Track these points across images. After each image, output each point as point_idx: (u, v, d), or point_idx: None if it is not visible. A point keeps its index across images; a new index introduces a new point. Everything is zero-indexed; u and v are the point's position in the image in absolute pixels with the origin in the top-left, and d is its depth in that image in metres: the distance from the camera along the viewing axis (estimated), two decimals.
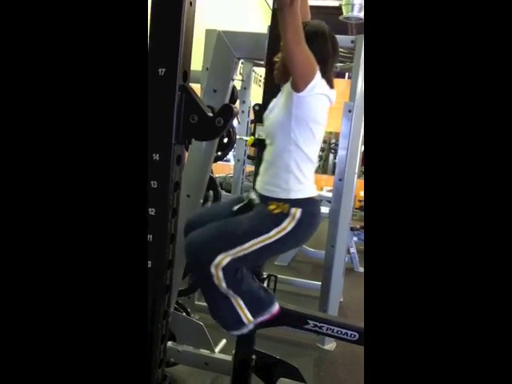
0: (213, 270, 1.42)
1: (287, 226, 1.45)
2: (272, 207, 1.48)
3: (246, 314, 1.51)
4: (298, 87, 1.40)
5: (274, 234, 1.44)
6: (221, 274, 1.43)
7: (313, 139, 1.49)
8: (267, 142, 1.58)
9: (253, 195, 1.59)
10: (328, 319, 1.66)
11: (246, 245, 1.43)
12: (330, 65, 1.48)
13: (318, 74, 1.41)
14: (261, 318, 1.54)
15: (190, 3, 0.97)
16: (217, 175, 2.04)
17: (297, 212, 1.46)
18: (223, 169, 5.32)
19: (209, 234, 1.50)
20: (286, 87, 1.47)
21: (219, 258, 1.42)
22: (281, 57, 1.48)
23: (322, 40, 1.45)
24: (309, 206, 1.50)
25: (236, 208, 1.60)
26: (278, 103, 1.56)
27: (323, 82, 1.44)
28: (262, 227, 1.47)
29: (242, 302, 1.50)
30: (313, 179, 1.56)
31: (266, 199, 1.51)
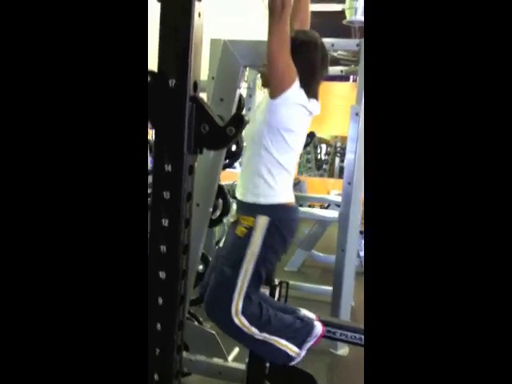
0: (236, 320, 1.43)
1: (257, 240, 1.43)
2: (238, 230, 1.47)
3: (291, 349, 1.51)
4: (273, 94, 1.41)
5: (251, 256, 1.42)
6: (244, 320, 1.43)
7: (286, 147, 1.47)
8: (245, 145, 1.58)
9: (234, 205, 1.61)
10: (342, 324, 1.66)
11: (239, 280, 1.42)
12: (317, 75, 1.48)
13: (296, 84, 1.40)
14: (307, 345, 1.53)
15: (199, 14, 0.98)
16: (223, 182, 2.04)
17: (263, 221, 1.43)
18: (229, 176, 5.30)
19: (213, 290, 1.50)
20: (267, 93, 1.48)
21: (231, 307, 1.42)
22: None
23: (313, 50, 1.45)
24: (278, 212, 1.48)
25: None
26: (258, 108, 1.57)
27: (301, 93, 1.43)
28: (237, 255, 1.46)
29: (282, 341, 1.48)
30: (287, 186, 1.54)
31: (240, 207, 1.52)
